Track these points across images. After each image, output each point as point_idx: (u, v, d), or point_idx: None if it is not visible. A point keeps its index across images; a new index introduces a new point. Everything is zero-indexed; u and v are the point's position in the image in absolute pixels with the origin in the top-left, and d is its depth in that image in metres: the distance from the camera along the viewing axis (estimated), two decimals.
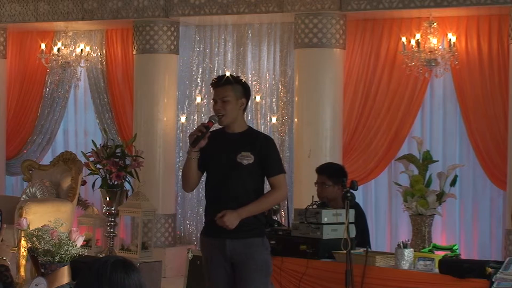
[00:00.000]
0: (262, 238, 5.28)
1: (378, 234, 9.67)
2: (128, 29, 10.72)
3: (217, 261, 5.25)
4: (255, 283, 5.19)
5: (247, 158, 5.20)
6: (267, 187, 5.37)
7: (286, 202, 7.46)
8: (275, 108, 10.17)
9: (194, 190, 10.18)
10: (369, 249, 5.98)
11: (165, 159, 10.26)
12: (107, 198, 8.72)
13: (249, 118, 9.89)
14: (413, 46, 9.08)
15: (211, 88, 5.43)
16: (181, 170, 10.31)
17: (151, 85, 10.22)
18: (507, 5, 8.66)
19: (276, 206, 6.80)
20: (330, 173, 6.77)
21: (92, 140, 9.18)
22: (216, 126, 5.36)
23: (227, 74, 5.43)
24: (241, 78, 5.46)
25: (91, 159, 8.79)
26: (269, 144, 5.32)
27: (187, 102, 10.63)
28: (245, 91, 5.31)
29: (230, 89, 5.24)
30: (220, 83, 5.28)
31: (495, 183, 9.07)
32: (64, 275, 4.19)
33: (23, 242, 8.50)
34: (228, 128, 5.31)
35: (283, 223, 7.46)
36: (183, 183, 5.45)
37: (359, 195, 8.87)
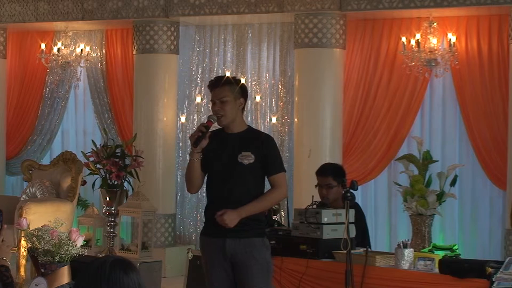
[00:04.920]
0: (262, 238, 5.28)
1: (378, 234, 9.67)
2: (128, 29, 10.73)
3: (216, 261, 5.25)
4: (257, 283, 5.19)
5: (247, 158, 5.21)
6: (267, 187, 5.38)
7: (286, 202, 7.45)
8: (275, 108, 10.16)
9: None
10: (369, 249, 5.97)
11: (165, 159, 10.26)
12: (107, 198, 8.71)
13: (249, 118, 9.89)
14: (413, 46, 9.08)
15: (209, 90, 5.43)
16: (181, 170, 10.36)
17: (151, 85, 10.22)
18: (507, 5, 8.66)
19: (276, 206, 6.78)
20: (334, 174, 6.74)
21: (92, 140, 9.17)
22: (215, 126, 5.36)
23: (227, 74, 5.44)
24: (237, 78, 5.47)
25: (91, 159, 8.78)
26: (269, 142, 5.32)
27: (187, 102, 10.63)
28: (243, 91, 5.32)
29: (228, 90, 5.25)
30: (217, 84, 5.29)
31: (495, 183, 9.07)
32: (64, 275, 4.19)
33: (23, 242, 8.50)
34: (227, 128, 5.32)
35: (283, 223, 7.45)
36: (188, 185, 5.44)
37: (358, 195, 8.87)
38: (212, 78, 5.51)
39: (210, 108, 10.21)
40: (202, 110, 10.32)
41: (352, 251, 5.52)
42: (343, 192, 5.66)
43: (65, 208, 9.20)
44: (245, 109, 5.42)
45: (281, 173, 5.30)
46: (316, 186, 6.78)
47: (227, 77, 5.40)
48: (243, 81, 5.66)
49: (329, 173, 6.77)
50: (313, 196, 6.56)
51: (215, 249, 5.25)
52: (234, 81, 5.34)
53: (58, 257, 4.18)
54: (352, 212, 5.90)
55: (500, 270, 5.29)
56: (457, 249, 6.10)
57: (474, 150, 9.17)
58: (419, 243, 7.37)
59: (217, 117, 5.24)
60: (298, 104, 9.54)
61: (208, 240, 5.33)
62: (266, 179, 5.36)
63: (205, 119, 5.39)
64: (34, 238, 4.25)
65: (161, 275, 8.45)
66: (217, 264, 5.25)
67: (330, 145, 9.36)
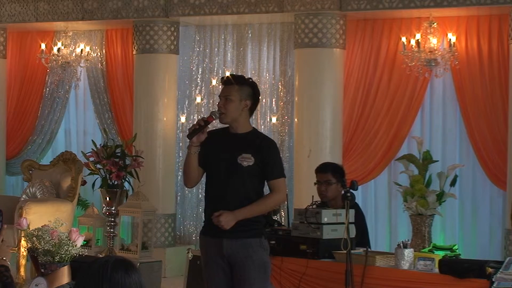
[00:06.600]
0: (260, 238, 5.27)
1: (378, 234, 9.67)
2: (128, 29, 10.73)
3: (215, 261, 5.25)
4: (254, 283, 5.19)
5: (247, 160, 5.20)
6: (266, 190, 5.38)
7: (286, 202, 7.45)
8: (275, 108, 10.17)
9: (194, 190, 10.27)
10: (369, 249, 5.97)
11: (165, 159, 10.26)
12: (107, 198, 8.71)
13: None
14: (413, 46, 9.07)
15: (216, 86, 5.46)
16: (181, 170, 10.35)
17: (151, 85, 10.22)
18: (507, 5, 8.66)
19: (276, 206, 6.78)
20: (333, 171, 6.77)
21: (92, 140, 9.17)
22: (219, 125, 5.37)
23: (227, 74, 5.44)
24: (252, 80, 5.42)
25: (91, 159, 8.78)
26: (270, 147, 5.32)
27: (187, 102, 10.63)
28: (253, 94, 5.29)
29: (236, 89, 5.25)
30: (228, 81, 5.30)
31: (495, 183, 9.06)
32: (64, 275, 4.19)
33: (23, 242, 8.50)
34: (231, 128, 5.32)
35: (283, 223, 7.46)
36: (184, 178, 5.46)
37: (358, 195, 8.87)
38: (227, 75, 5.50)
39: (210, 108, 10.28)
40: (202, 110, 10.32)
41: (352, 251, 5.52)
42: (343, 192, 5.66)
43: (65, 208, 9.20)
44: (254, 112, 5.39)
45: (280, 179, 5.29)
46: (315, 183, 6.80)
47: (240, 76, 5.40)
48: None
49: (328, 169, 6.81)
50: (313, 196, 6.57)
51: (213, 248, 5.25)
52: (246, 82, 5.32)
53: (58, 257, 4.18)
54: (352, 212, 5.91)
55: (500, 270, 5.29)
56: (457, 249, 6.10)
57: (474, 150, 9.16)
58: (419, 243, 7.37)
59: (219, 114, 5.25)
60: (298, 104, 9.54)
61: (206, 239, 5.33)
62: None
63: None
64: (34, 238, 4.25)
65: (161, 275, 8.46)
66: (215, 263, 5.25)
67: (330, 145, 9.36)
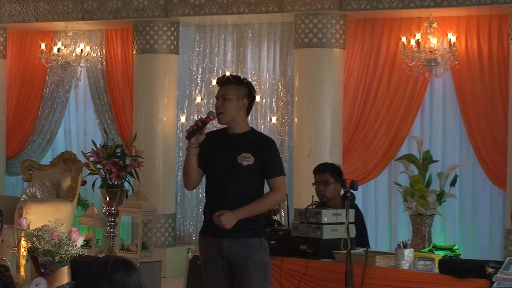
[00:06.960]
0: (260, 238, 5.27)
1: (378, 234, 9.67)
2: (128, 29, 10.73)
3: (214, 261, 5.25)
4: (255, 284, 5.19)
5: (247, 159, 5.20)
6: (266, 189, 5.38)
7: (286, 202, 7.46)
8: (275, 108, 10.17)
9: (194, 190, 10.24)
10: (369, 249, 5.97)
11: (165, 159, 10.26)
12: (107, 198, 8.71)
13: (249, 118, 9.87)
14: (413, 46, 9.08)
15: (216, 86, 5.47)
16: (181, 170, 10.35)
17: (151, 85, 10.22)
18: (507, 5, 8.66)
19: (276, 206, 6.79)
20: (332, 171, 6.79)
21: (92, 140, 9.17)
22: (218, 126, 5.37)
23: (227, 74, 5.45)
24: (247, 80, 5.45)
25: (91, 159, 8.78)
26: (270, 146, 5.32)
27: (187, 102, 10.63)
28: (249, 93, 5.31)
29: (232, 88, 5.26)
30: (225, 81, 5.31)
31: (495, 183, 9.06)
32: (64, 275, 4.19)
33: (23, 242, 8.50)
34: (229, 128, 5.33)
35: (283, 223, 7.46)
36: (184, 180, 5.47)
37: (358, 195, 8.86)
38: (222, 75, 5.51)
39: (210, 108, 10.28)
40: (202, 110, 10.32)
41: (352, 251, 5.52)
42: (343, 192, 5.66)
43: (65, 208, 9.20)
44: (251, 111, 5.41)
45: (280, 177, 5.29)
46: (313, 184, 6.81)
47: (235, 76, 5.41)
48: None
49: (326, 169, 6.83)
50: (313, 196, 6.58)
51: (213, 249, 5.25)
52: (241, 82, 5.34)
53: (58, 257, 4.18)
54: (352, 212, 5.91)
55: (500, 270, 5.29)
56: (457, 249, 6.10)
57: (474, 150, 9.16)
58: (419, 243, 7.37)
59: (216, 114, 5.26)
60: (298, 104, 9.54)
61: (206, 240, 5.33)
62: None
63: None
64: (34, 238, 4.25)
65: (161, 275, 8.46)
66: (215, 263, 5.25)
67: (330, 145, 9.36)
